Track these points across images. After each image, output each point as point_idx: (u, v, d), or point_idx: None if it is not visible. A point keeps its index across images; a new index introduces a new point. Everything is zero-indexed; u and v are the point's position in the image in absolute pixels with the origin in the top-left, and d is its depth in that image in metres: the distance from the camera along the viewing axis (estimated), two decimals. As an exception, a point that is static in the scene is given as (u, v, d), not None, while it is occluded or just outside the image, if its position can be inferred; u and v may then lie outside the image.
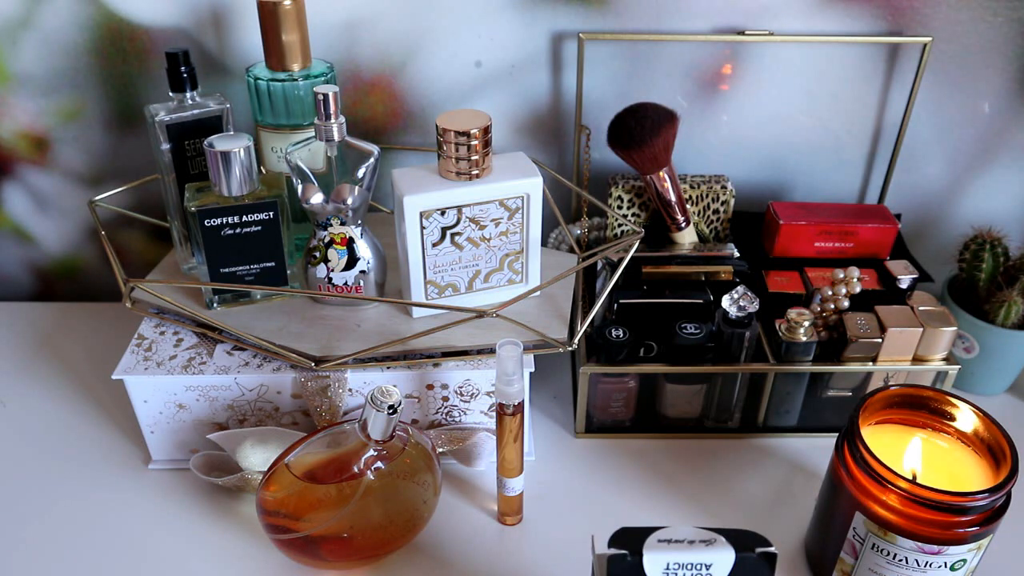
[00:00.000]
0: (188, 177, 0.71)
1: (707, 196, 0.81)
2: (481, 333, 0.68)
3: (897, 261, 0.76)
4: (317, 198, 0.66)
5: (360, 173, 0.66)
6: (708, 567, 0.43)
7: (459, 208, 0.66)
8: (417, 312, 0.70)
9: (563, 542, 0.65)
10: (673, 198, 0.77)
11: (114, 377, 0.66)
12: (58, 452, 0.73)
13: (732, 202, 0.81)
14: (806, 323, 0.70)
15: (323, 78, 0.72)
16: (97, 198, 0.77)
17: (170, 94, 0.70)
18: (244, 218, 0.67)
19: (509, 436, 0.61)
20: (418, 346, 0.67)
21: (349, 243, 0.69)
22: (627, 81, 0.82)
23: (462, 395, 0.68)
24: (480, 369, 0.67)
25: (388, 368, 0.67)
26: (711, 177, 0.82)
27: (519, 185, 0.66)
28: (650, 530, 0.44)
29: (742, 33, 0.77)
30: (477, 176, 0.65)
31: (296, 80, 0.71)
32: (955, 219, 0.89)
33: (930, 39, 0.77)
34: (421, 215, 0.65)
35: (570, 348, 0.67)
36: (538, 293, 0.72)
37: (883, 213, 0.80)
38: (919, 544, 0.53)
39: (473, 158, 0.64)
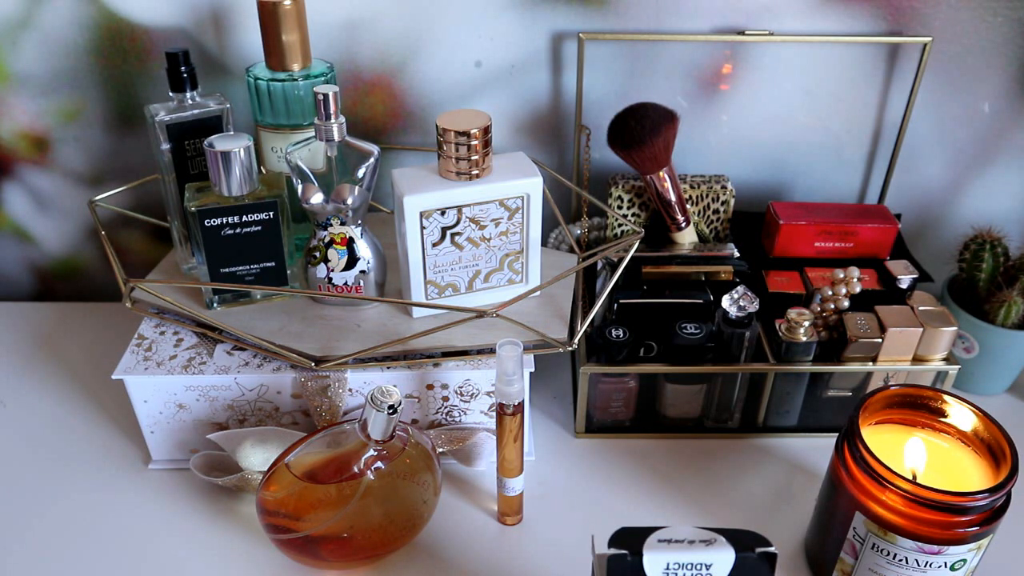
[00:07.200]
0: (188, 177, 0.71)
1: (707, 196, 0.81)
2: (481, 333, 0.68)
3: (897, 261, 0.76)
4: (317, 198, 0.66)
5: (360, 173, 0.66)
6: (708, 567, 0.43)
7: (459, 208, 0.66)
8: (417, 312, 0.70)
9: (563, 542, 0.65)
10: (673, 198, 0.77)
11: (114, 377, 0.66)
12: (58, 452, 0.73)
13: (732, 202, 0.81)
14: (806, 323, 0.70)
15: (323, 78, 0.72)
16: (97, 198, 0.77)
17: (170, 94, 0.70)
18: (244, 218, 0.67)
19: (509, 436, 0.61)
20: (418, 346, 0.67)
21: (349, 243, 0.69)
22: (627, 81, 0.82)
23: (462, 395, 0.68)
24: (480, 369, 0.67)
25: (388, 368, 0.67)
26: (711, 177, 0.82)
27: (519, 185, 0.66)
28: (650, 530, 0.44)
29: (742, 33, 0.77)
30: (477, 176, 0.65)
31: (296, 80, 0.71)
32: (955, 219, 0.89)
33: (930, 39, 0.77)
34: (421, 215, 0.65)
35: (570, 348, 0.67)
36: (538, 293, 0.72)
37: (883, 213, 0.80)
38: (919, 544, 0.53)
39: (473, 158, 0.64)
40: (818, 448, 0.73)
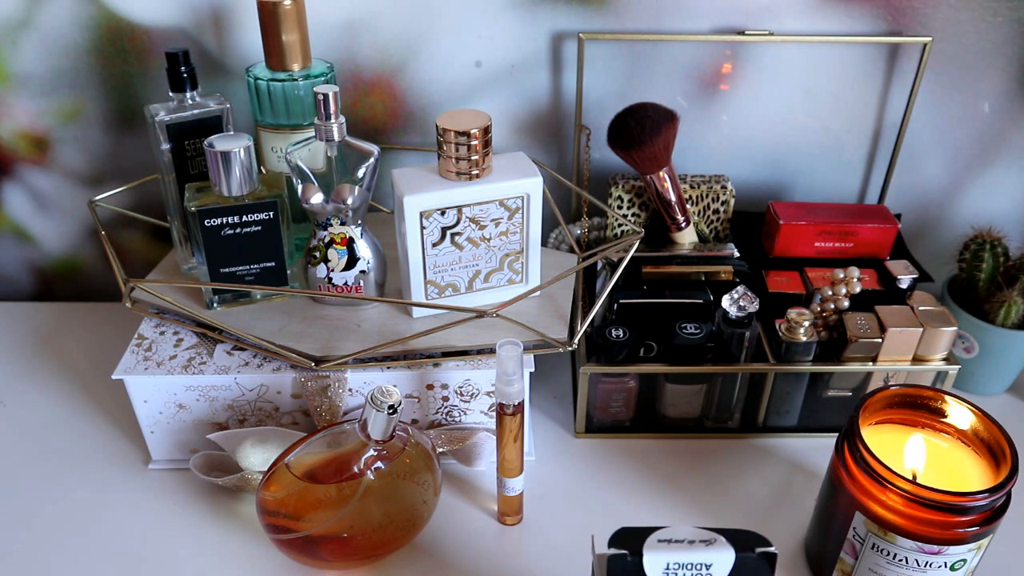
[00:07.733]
0: (188, 177, 0.71)
1: (707, 196, 0.81)
2: (481, 333, 0.68)
3: (897, 261, 0.76)
4: (317, 198, 0.66)
5: (360, 173, 0.66)
6: (708, 567, 0.43)
7: (459, 208, 0.66)
8: (417, 312, 0.70)
9: (563, 542, 0.65)
10: (673, 198, 0.77)
11: (114, 377, 0.66)
12: (58, 452, 0.73)
13: (732, 202, 0.81)
14: (806, 323, 0.70)
15: (323, 78, 0.72)
16: (97, 198, 0.77)
17: (170, 94, 0.70)
18: (244, 218, 0.67)
19: (509, 436, 0.61)
20: (418, 346, 0.67)
21: (349, 243, 0.69)
22: (627, 81, 0.82)
23: (462, 395, 0.68)
24: (480, 369, 0.67)
25: (388, 368, 0.67)
26: (711, 177, 0.82)
27: (519, 185, 0.66)
28: (650, 530, 0.44)
29: (742, 33, 0.77)
30: (477, 176, 0.65)
31: (296, 80, 0.71)
32: (955, 219, 0.89)
33: (930, 39, 0.77)
34: (421, 215, 0.65)
35: (570, 348, 0.67)
36: (538, 293, 0.72)
37: (883, 213, 0.80)
38: (919, 544, 0.53)
39: (473, 158, 0.64)
40: (818, 448, 0.73)
